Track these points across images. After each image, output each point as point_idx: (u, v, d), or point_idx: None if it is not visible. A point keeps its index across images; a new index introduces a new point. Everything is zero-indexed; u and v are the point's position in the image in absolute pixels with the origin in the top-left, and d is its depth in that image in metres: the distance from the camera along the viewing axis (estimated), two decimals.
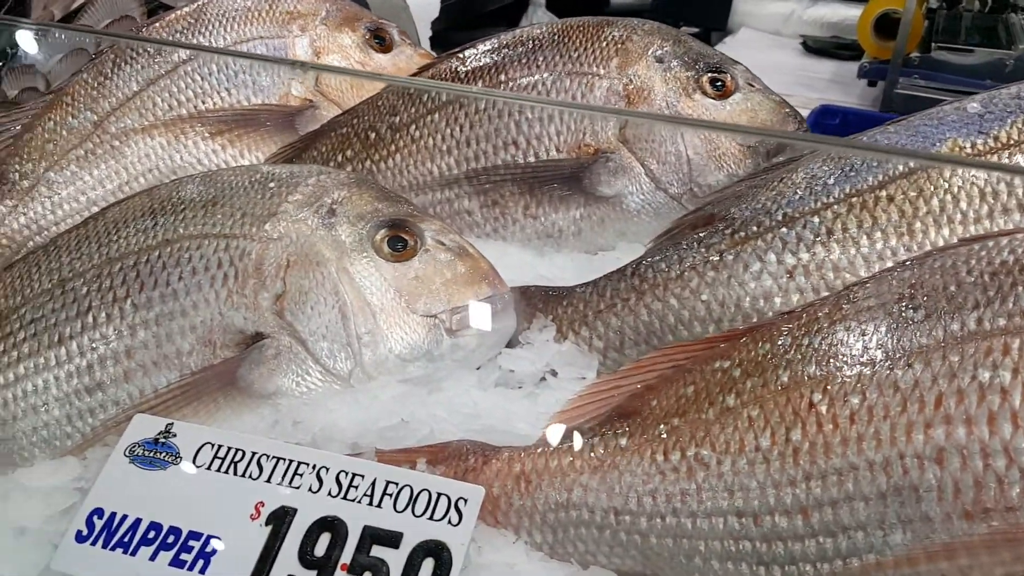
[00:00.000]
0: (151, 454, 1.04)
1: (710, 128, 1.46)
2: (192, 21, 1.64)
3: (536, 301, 1.25)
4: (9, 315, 1.14)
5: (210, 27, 1.63)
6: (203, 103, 1.56)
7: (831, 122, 2.18)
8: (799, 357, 0.95)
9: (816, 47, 3.63)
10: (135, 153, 1.50)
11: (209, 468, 1.01)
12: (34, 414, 1.09)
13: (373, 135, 1.48)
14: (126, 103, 1.53)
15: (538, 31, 1.53)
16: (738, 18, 3.85)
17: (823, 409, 0.90)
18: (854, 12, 3.61)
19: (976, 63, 2.57)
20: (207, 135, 1.55)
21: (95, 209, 1.46)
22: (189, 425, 1.06)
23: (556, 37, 1.50)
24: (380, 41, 1.75)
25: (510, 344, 1.21)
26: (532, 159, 1.42)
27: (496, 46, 1.53)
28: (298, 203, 1.19)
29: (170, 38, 1.60)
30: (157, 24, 1.64)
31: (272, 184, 1.22)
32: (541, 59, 1.48)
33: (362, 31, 1.74)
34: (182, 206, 1.20)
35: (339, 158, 1.48)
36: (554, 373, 1.16)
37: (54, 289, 1.15)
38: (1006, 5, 2.85)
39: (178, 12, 1.68)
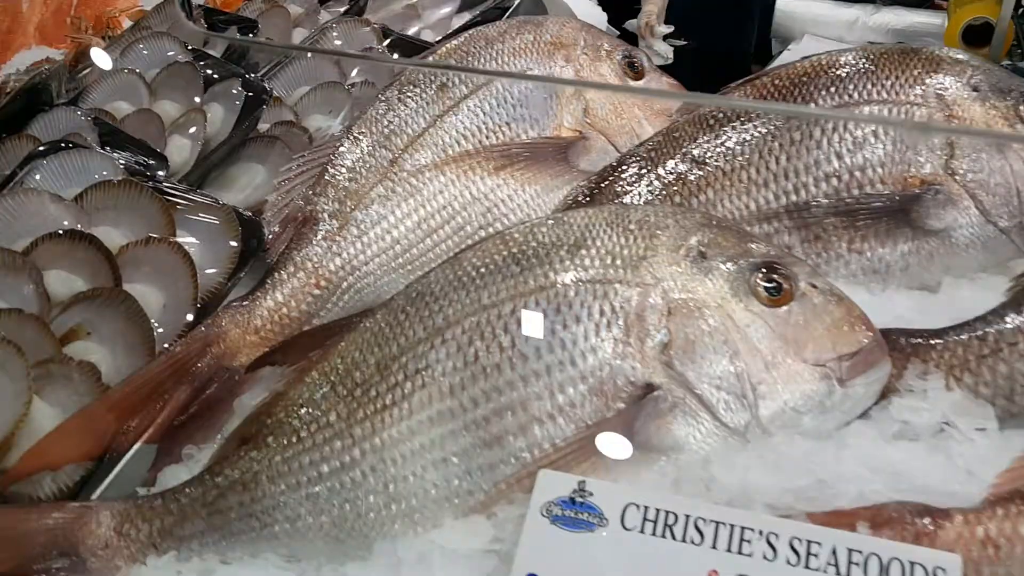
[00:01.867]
0: (572, 514, 1.00)
1: None
2: (462, 55, 1.62)
3: (903, 345, 1.19)
4: (390, 366, 1.11)
5: (479, 61, 1.61)
6: (486, 138, 1.54)
7: None
8: None
9: None
10: (430, 189, 1.47)
11: (643, 531, 0.97)
12: (433, 470, 1.06)
13: (676, 168, 1.44)
14: (416, 140, 1.50)
15: (839, 59, 1.48)
16: (799, 25, 3.80)
17: None
18: (918, 19, 3.59)
19: None
20: (492, 169, 1.52)
21: (399, 248, 1.44)
22: (605, 483, 1.02)
23: (862, 65, 1.45)
24: (634, 68, 1.72)
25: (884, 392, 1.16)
26: (855, 191, 1.37)
27: (799, 72, 1.48)
28: (665, 246, 1.15)
29: (439, 74, 1.58)
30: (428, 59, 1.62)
31: (632, 226, 1.18)
32: (851, 88, 1.43)
33: (618, 59, 1.70)
34: (545, 251, 1.16)
35: (644, 192, 1.44)
36: (949, 423, 1.11)
37: (432, 338, 1.12)
38: None
39: (446, 47, 1.66)
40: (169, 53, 1.84)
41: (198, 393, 1.24)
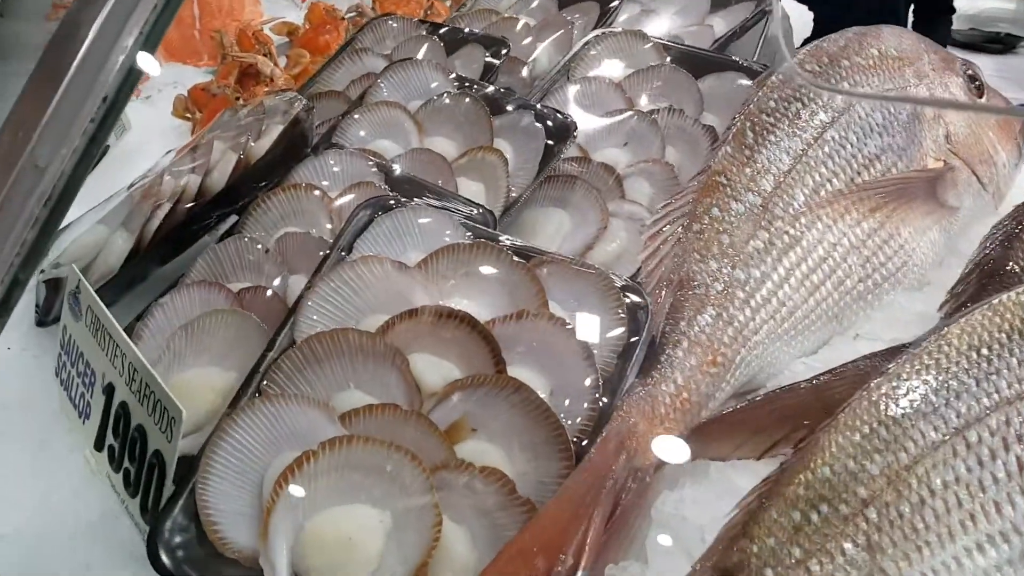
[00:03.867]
0: None
1: None
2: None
3: None
4: (904, 478, 0.91)
5: (828, 81, 1.40)
6: (857, 175, 1.33)
7: None
8: None
9: (964, 41, 3.37)
10: (809, 240, 1.27)
11: None
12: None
13: None
14: (784, 181, 1.30)
15: None
16: None
17: None
18: (992, 4, 3.43)
19: None
20: (866, 212, 1.32)
21: (785, 311, 1.24)
22: None
23: None
24: (977, 86, 1.51)
25: None
26: None
27: None
28: None
29: (792, 100, 1.37)
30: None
31: None
32: None
33: (962, 75, 1.49)
34: None
35: None
36: None
37: (951, 441, 0.91)
38: None
39: (786, 64, 1.45)
40: (434, 84, 1.65)
41: (618, 501, 1.06)
